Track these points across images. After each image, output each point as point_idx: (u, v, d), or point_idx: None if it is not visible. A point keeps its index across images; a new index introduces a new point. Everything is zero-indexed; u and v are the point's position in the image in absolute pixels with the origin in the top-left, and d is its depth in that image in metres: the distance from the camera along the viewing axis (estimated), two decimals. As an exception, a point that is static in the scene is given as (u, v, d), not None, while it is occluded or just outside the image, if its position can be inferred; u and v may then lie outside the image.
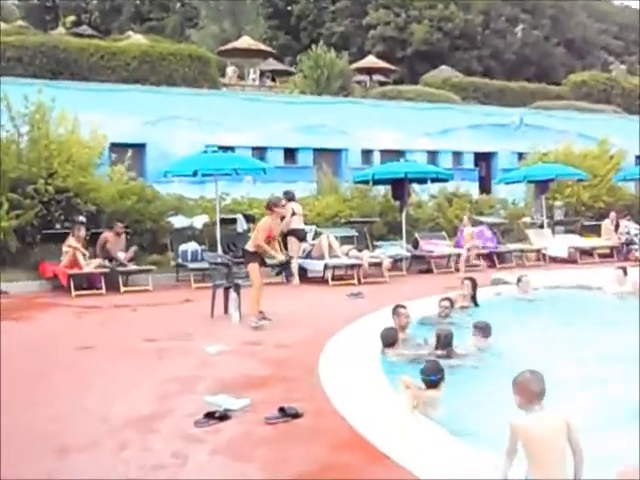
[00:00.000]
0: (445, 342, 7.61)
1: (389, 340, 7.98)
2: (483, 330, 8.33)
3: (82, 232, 14.19)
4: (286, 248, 15.32)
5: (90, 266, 13.91)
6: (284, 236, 15.15)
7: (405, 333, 8.43)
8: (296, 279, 14.83)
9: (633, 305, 10.42)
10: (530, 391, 4.32)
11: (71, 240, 14.05)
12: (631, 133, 26.59)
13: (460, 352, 7.77)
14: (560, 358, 7.52)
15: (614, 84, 34.70)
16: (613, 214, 20.03)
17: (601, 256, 18.97)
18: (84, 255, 13.99)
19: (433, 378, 5.96)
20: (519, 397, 4.35)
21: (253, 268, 10.29)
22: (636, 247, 18.88)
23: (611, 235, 19.54)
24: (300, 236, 15.46)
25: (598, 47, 52.75)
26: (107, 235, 14.73)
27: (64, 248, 14.04)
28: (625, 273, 12.76)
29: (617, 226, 19.78)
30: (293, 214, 15.44)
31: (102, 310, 12.02)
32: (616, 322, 9.67)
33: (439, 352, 7.51)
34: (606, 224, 19.86)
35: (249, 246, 10.47)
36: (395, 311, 8.67)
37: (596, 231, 20.22)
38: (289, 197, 15.79)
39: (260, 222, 10.87)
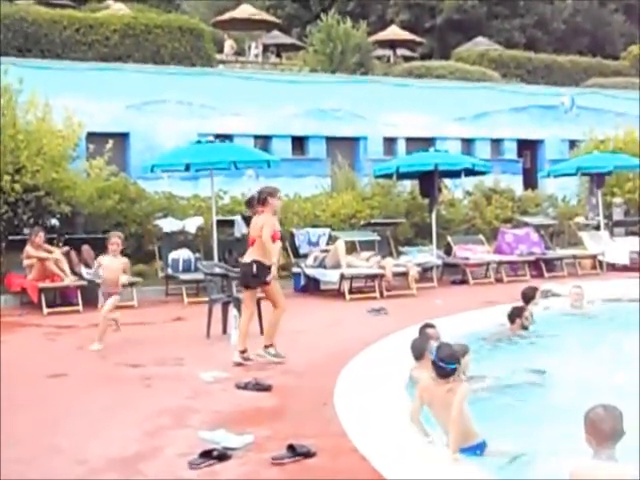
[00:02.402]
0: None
1: (421, 351, 7.97)
2: None
3: (41, 237, 14.19)
4: None
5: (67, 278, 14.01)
6: None
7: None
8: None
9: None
10: (600, 431, 4.30)
11: (29, 249, 14.07)
12: None
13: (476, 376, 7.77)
14: (617, 388, 7.44)
15: (683, 57, 34.56)
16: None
17: (670, 263, 18.88)
18: (56, 263, 14.01)
19: (453, 366, 5.87)
20: (590, 437, 4.33)
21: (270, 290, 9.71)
22: None
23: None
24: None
25: (664, 13, 52.45)
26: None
27: (25, 261, 14.07)
28: None
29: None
30: (274, 213, 15.65)
31: (78, 330, 12.07)
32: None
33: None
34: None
35: (261, 256, 9.58)
36: (422, 332, 8.66)
37: (663, 233, 20.16)
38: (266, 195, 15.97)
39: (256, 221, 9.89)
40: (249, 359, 9.33)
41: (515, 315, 10.64)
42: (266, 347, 9.46)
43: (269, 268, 9.47)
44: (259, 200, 10.10)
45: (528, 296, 11.52)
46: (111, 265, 10.80)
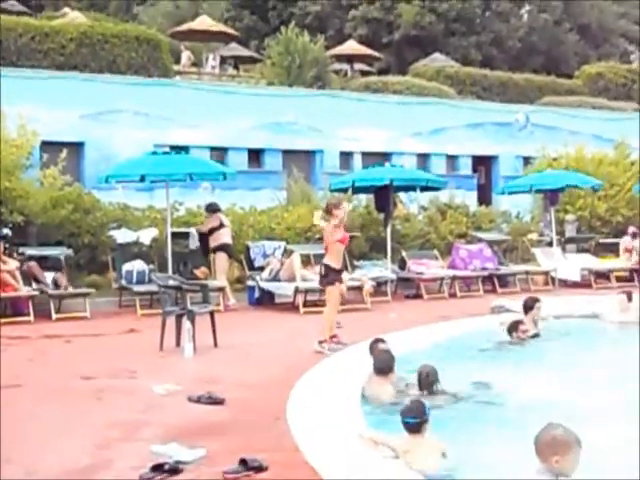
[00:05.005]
0: (427, 382, 7.72)
1: (386, 365, 7.99)
2: None
3: (0, 248, 14.05)
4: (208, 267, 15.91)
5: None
6: (212, 251, 15.93)
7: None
8: (233, 300, 15.46)
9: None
10: (536, 446, 4.35)
11: None
12: (655, 135, 26.95)
13: (449, 391, 7.85)
14: (568, 404, 7.53)
15: (635, 77, 35.15)
16: (633, 229, 20.21)
17: (619, 280, 19.11)
18: (13, 275, 13.86)
19: (415, 420, 5.96)
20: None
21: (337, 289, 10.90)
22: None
23: (631, 255, 19.73)
24: (230, 252, 16.09)
25: (617, 34, 53.30)
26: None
27: None
28: (630, 299, 12.98)
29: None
30: (222, 226, 15.80)
31: (30, 341, 11.95)
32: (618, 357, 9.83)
33: (424, 393, 7.62)
34: (625, 242, 20.07)
35: (331, 261, 10.84)
36: (373, 347, 8.70)
37: (613, 250, 20.45)
38: (213, 209, 16.10)
39: (326, 229, 11.12)
40: (329, 347, 10.46)
41: (513, 329, 10.99)
42: (320, 342, 10.58)
43: (336, 271, 10.86)
44: (326, 211, 11.26)
45: (527, 306, 11.71)
46: None
